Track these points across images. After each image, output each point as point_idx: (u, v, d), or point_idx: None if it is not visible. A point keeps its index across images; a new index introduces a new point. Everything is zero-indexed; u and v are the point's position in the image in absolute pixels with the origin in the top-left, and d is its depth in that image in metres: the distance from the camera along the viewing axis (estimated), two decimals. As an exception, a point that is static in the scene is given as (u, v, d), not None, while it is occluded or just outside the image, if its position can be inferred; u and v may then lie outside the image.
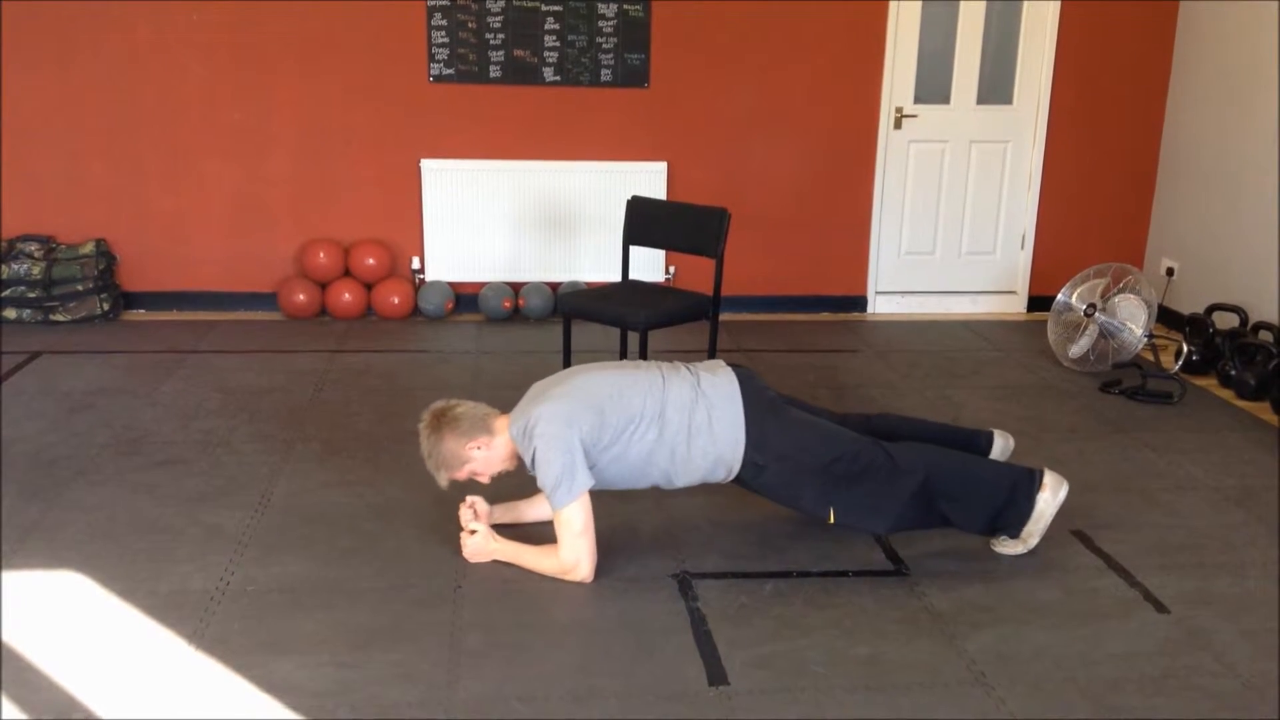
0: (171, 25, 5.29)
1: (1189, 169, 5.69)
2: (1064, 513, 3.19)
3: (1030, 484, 3.08)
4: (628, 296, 4.32)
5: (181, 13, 5.27)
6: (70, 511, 3.31)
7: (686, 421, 2.96)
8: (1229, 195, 5.35)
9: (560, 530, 2.92)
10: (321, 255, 5.53)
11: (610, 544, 3.07)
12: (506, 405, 3.11)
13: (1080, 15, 5.68)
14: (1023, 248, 6.03)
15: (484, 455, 2.99)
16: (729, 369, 3.12)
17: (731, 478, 3.06)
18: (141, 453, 3.78)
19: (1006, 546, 3.15)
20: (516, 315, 5.70)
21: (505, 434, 2.98)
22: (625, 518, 3.32)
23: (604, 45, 5.50)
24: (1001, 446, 3.44)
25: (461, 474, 3.02)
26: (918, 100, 5.76)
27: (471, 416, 2.98)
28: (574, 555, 2.92)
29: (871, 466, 3.02)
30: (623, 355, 4.57)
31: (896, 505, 3.02)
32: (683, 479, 3.04)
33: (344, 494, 3.49)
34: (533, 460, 2.89)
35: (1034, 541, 3.13)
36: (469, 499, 3.13)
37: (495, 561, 3.02)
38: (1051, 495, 3.09)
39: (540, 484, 2.90)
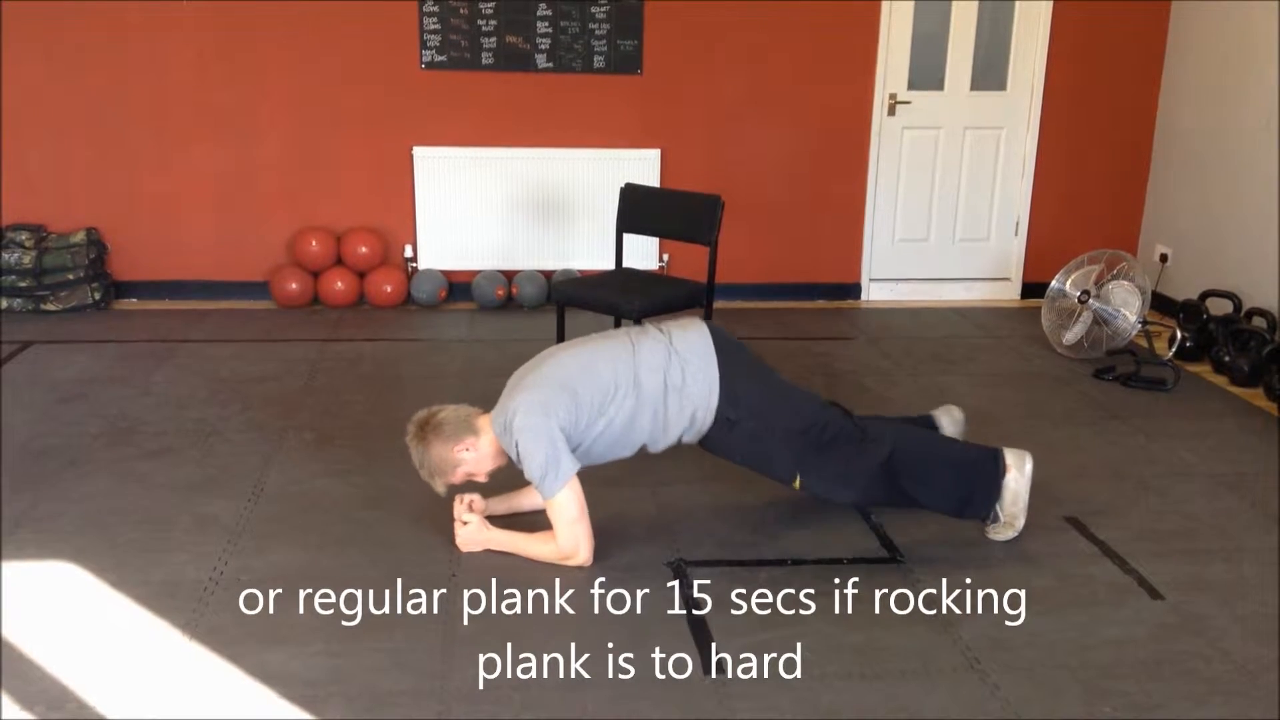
0: (160, 11, 5.25)
1: (1183, 155, 5.68)
2: (1057, 499, 3.19)
3: (994, 466, 3.08)
4: (621, 284, 4.31)
5: (171, -1, 5.25)
6: (62, 502, 3.30)
7: (662, 381, 2.98)
8: (1223, 181, 5.35)
9: (554, 518, 2.92)
10: (313, 243, 5.51)
11: (604, 532, 3.06)
12: (499, 395, 3.10)
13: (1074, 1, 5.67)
14: (1017, 234, 6.03)
15: (474, 456, 2.99)
16: (702, 323, 3.12)
17: (704, 431, 3.04)
18: (133, 442, 3.76)
19: (997, 532, 3.15)
20: (510, 303, 5.68)
21: (490, 432, 2.98)
22: (619, 506, 3.32)
23: (597, 31, 5.47)
24: (948, 422, 3.45)
25: (456, 477, 3.01)
26: (912, 86, 5.74)
27: (455, 420, 2.98)
28: (571, 542, 2.92)
29: (841, 435, 3.04)
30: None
31: (863, 477, 3.03)
32: (664, 439, 3.05)
33: (337, 483, 3.48)
34: (517, 454, 2.90)
35: (1020, 523, 3.13)
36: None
37: (489, 551, 3.02)
38: (1018, 473, 3.09)
39: (527, 476, 2.90)
